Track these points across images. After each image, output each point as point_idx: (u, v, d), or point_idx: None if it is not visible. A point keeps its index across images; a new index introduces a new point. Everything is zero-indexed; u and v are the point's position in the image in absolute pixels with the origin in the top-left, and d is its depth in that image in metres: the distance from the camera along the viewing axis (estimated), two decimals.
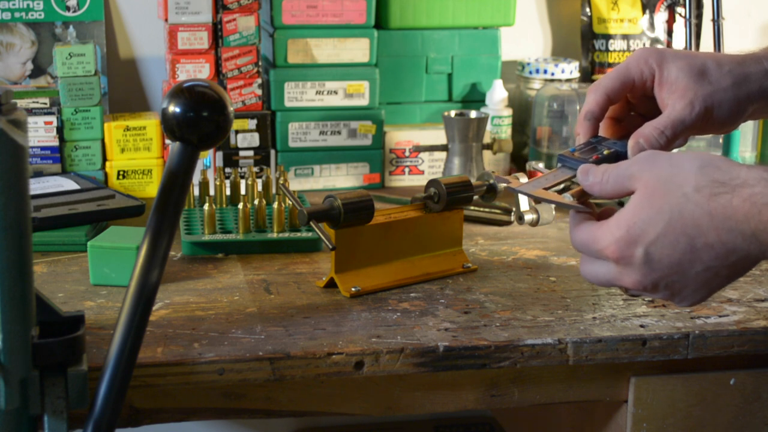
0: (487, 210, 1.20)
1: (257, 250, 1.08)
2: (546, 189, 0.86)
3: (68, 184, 1.22)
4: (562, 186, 0.87)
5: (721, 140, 1.40)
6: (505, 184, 0.91)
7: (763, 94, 0.99)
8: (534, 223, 1.05)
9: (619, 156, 0.91)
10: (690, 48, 1.60)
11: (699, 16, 1.61)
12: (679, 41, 1.61)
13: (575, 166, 0.87)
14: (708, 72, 0.99)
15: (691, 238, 0.80)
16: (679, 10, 1.61)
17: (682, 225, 0.80)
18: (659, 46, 0.99)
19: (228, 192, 1.23)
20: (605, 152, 0.91)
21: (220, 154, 1.34)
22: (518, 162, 1.50)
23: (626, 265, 0.82)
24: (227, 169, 1.34)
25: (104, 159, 1.31)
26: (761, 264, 1.05)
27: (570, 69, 1.50)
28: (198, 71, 1.32)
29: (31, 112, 1.28)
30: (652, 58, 0.97)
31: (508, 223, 1.20)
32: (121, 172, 1.30)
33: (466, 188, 1.03)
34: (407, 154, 1.41)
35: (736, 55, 1.02)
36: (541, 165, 1.33)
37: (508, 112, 1.44)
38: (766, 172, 0.79)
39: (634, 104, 0.99)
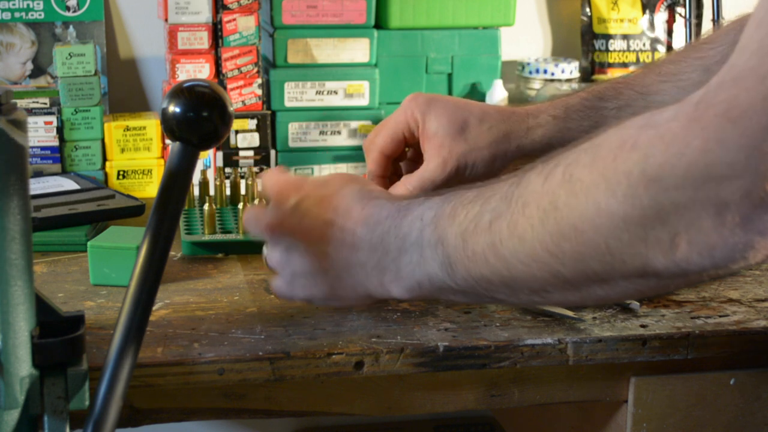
0: None
1: (257, 250, 1.08)
2: None
3: (68, 184, 1.22)
4: None
5: None
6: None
7: (520, 152, 1.02)
8: None
9: None
10: None
11: (699, 16, 1.61)
12: (679, 41, 1.61)
13: None
14: (468, 128, 1.01)
15: (331, 212, 0.82)
16: (679, 10, 1.61)
17: (335, 201, 0.83)
18: (435, 94, 1.02)
19: (228, 192, 1.23)
20: None
21: (220, 154, 1.34)
22: None
23: (276, 205, 0.85)
24: (227, 169, 1.34)
25: (104, 159, 1.31)
26: (761, 264, 1.05)
27: (570, 69, 1.50)
28: (198, 71, 1.32)
29: (31, 112, 1.28)
30: (418, 110, 1.01)
31: None
32: (121, 172, 1.31)
33: None
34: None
35: (504, 109, 1.04)
36: None
37: None
38: (428, 195, 0.81)
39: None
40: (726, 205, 0.60)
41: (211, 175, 1.32)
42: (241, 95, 1.34)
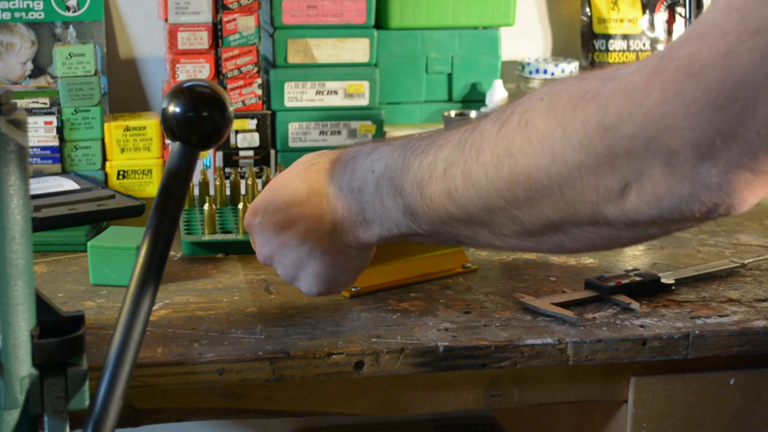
0: None
1: None
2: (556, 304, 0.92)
3: (68, 184, 1.22)
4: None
5: None
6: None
7: None
8: None
9: (645, 283, 0.96)
10: None
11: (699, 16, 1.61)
12: None
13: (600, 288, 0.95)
14: None
15: (288, 206, 0.84)
16: (679, 10, 1.61)
17: (284, 195, 0.85)
18: None
19: (228, 192, 1.23)
20: (630, 279, 0.96)
21: (220, 154, 1.34)
22: None
23: (252, 234, 0.88)
24: (227, 169, 1.34)
25: (104, 159, 1.31)
26: (761, 264, 1.06)
27: (570, 69, 1.50)
28: (198, 71, 1.32)
29: (31, 112, 1.28)
30: None
31: None
32: (121, 172, 1.30)
33: None
34: None
35: None
36: None
37: None
38: (374, 143, 0.82)
39: None
40: (676, 156, 0.61)
41: (211, 175, 1.32)
42: (241, 95, 1.34)
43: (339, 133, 1.38)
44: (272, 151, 1.36)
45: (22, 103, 1.28)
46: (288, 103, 1.37)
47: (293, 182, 0.85)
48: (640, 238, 0.69)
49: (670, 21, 1.62)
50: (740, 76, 0.59)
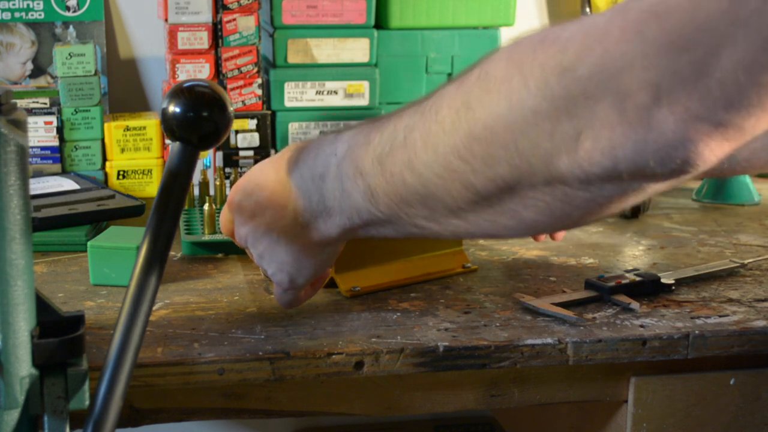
0: None
1: None
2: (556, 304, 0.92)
3: (68, 184, 1.22)
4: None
5: None
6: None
7: None
8: None
9: (645, 283, 0.96)
10: None
11: None
12: None
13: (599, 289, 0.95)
14: None
15: (260, 189, 0.84)
16: None
17: (256, 179, 0.84)
18: None
19: (228, 192, 1.23)
20: (630, 279, 0.96)
21: (220, 154, 1.34)
22: None
23: (233, 212, 0.87)
24: (227, 169, 1.34)
25: (104, 159, 1.31)
26: (761, 264, 1.06)
27: None
28: (198, 71, 1.32)
29: (31, 112, 1.28)
30: None
31: None
32: (121, 172, 1.30)
33: None
34: None
35: None
36: None
37: None
38: (341, 130, 0.81)
39: None
40: (632, 99, 0.59)
41: (211, 175, 1.32)
42: (241, 95, 1.34)
43: None
44: (272, 152, 1.36)
45: (22, 103, 1.28)
46: (288, 103, 1.37)
47: (266, 167, 0.85)
48: (596, 201, 0.66)
49: None
50: (705, 20, 0.56)
